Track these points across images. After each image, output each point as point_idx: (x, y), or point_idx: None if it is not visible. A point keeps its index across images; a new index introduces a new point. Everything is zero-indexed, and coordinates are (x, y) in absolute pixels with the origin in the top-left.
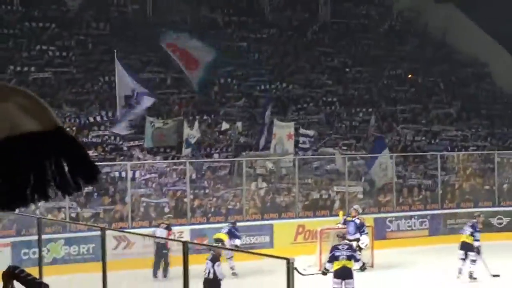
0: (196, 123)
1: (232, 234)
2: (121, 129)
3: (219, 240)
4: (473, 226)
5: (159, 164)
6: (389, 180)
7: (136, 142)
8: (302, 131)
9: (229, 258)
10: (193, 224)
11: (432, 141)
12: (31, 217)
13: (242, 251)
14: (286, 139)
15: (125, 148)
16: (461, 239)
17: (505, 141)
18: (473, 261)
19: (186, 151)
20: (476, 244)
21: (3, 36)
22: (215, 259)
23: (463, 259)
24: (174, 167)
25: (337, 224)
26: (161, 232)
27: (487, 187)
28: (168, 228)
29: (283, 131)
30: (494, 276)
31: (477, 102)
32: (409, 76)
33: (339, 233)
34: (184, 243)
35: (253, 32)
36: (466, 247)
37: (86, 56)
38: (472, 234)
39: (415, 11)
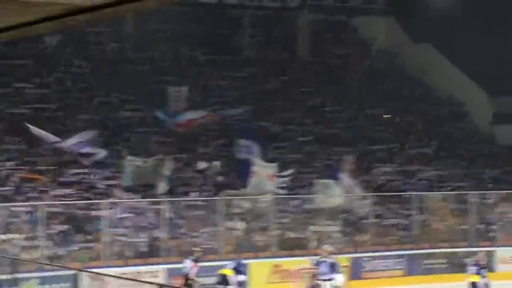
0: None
1: (237, 270)
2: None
3: (223, 275)
4: (476, 265)
5: (137, 203)
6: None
7: (113, 181)
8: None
9: None
10: (169, 263)
11: (409, 181)
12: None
13: None
14: (266, 179)
15: (101, 186)
16: (468, 280)
17: (481, 181)
18: None
19: (162, 188)
20: (482, 281)
21: None
22: None
23: None
24: (152, 206)
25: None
26: (189, 262)
27: (463, 227)
28: (196, 260)
29: (263, 171)
30: None
31: (453, 141)
32: (385, 116)
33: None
34: (161, 286)
35: (232, 71)
36: (473, 286)
37: (65, 93)
38: (478, 273)
39: (393, 51)
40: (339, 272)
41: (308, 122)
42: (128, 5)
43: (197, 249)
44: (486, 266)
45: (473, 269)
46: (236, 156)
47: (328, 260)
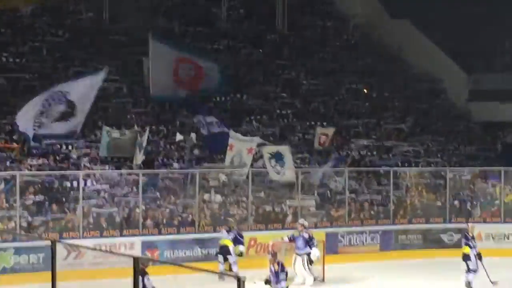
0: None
1: (236, 240)
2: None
3: (224, 246)
4: (465, 237)
5: (111, 174)
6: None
7: (88, 151)
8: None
9: (233, 263)
10: (145, 235)
11: (385, 156)
12: None
13: (188, 267)
14: (245, 153)
15: (74, 157)
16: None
17: (457, 158)
18: (469, 270)
19: (138, 160)
20: (473, 252)
21: None
22: (143, 273)
23: (466, 271)
24: (127, 177)
25: (282, 238)
26: (225, 233)
27: (438, 203)
28: (229, 230)
29: (242, 145)
30: (492, 283)
31: (430, 118)
32: (364, 90)
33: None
34: (135, 259)
35: (209, 43)
36: (464, 258)
37: (40, 63)
38: (466, 244)
39: (371, 25)
40: (315, 246)
41: (284, 95)
42: None
43: (230, 219)
44: (475, 237)
45: (464, 240)
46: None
47: (304, 234)
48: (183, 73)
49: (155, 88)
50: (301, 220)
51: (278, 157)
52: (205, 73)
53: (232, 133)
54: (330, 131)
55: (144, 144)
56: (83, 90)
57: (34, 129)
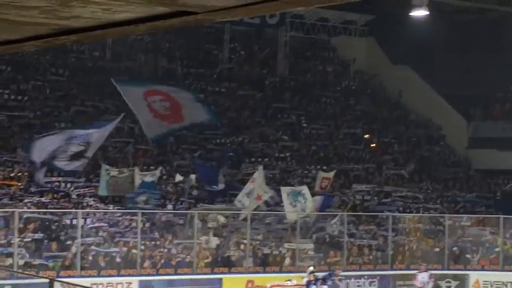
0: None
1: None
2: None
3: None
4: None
5: (111, 213)
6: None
7: (87, 190)
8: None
9: None
10: (142, 275)
11: (384, 201)
12: None
13: None
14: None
15: (74, 196)
16: None
17: (456, 204)
18: None
19: (139, 200)
20: None
21: None
22: None
23: None
24: (126, 217)
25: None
26: (425, 275)
27: (437, 249)
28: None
29: (261, 187)
30: None
31: (429, 164)
32: (366, 136)
33: None
34: None
35: (211, 85)
36: None
37: (42, 101)
38: None
39: (372, 71)
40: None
41: (284, 138)
42: (118, 29)
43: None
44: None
45: None
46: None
47: (313, 280)
48: (157, 106)
49: (148, 129)
50: (311, 268)
51: (295, 194)
52: (180, 102)
53: (261, 168)
54: (331, 175)
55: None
56: (101, 135)
57: (44, 162)
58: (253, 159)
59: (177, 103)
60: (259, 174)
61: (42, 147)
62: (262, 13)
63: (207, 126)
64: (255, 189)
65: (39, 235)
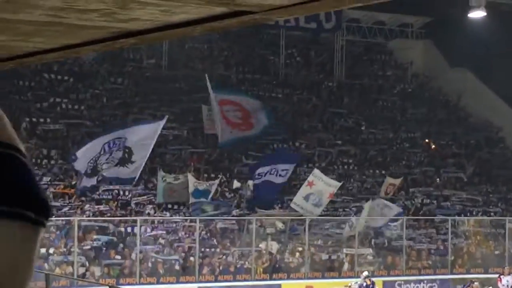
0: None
1: None
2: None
3: None
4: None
5: (169, 220)
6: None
7: (145, 198)
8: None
9: None
10: (201, 282)
11: (443, 205)
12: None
13: None
14: (326, 196)
15: (133, 203)
16: None
17: None
18: None
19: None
20: None
21: (21, 87)
22: None
23: None
24: (185, 223)
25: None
26: (509, 279)
27: (497, 252)
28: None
29: (325, 187)
30: None
31: (489, 166)
32: (426, 141)
33: None
34: None
35: (267, 91)
36: None
37: (100, 109)
38: None
39: (430, 74)
40: None
41: (342, 143)
42: (175, 30)
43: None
44: None
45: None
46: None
47: (365, 284)
48: (230, 115)
49: (221, 136)
50: (365, 273)
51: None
52: (251, 112)
53: (316, 171)
54: (398, 181)
55: (212, 193)
56: (141, 136)
57: (89, 171)
58: (310, 164)
59: (248, 113)
60: (317, 176)
61: (83, 157)
62: (319, 11)
63: (265, 132)
64: (322, 191)
65: (97, 243)
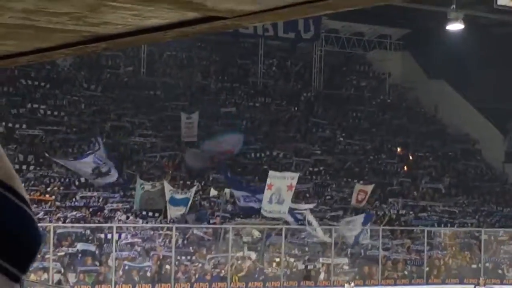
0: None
1: None
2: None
3: None
4: None
5: (145, 227)
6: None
7: (120, 205)
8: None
9: None
10: None
11: (420, 216)
12: None
13: None
14: (285, 190)
15: (109, 210)
16: None
17: (492, 219)
18: None
19: (173, 214)
20: None
21: None
22: None
23: None
24: (160, 232)
25: None
26: None
27: (474, 265)
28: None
29: (282, 182)
30: None
31: (465, 178)
32: (399, 150)
33: None
34: None
35: (245, 99)
36: None
37: (78, 116)
38: None
39: (408, 85)
40: None
41: (319, 153)
42: (147, 35)
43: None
44: None
45: None
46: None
47: None
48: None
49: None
50: (347, 285)
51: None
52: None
53: (271, 172)
54: (369, 188)
55: (190, 201)
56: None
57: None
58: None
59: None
60: (272, 176)
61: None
62: (290, 18)
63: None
64: (280, 187)
65: (73, 250)
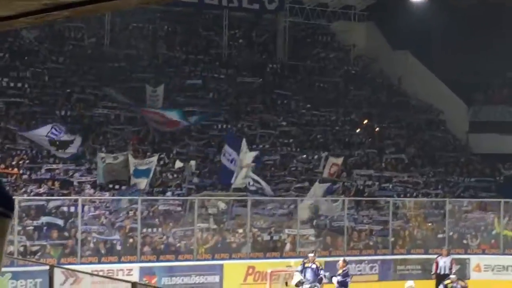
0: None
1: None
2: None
3: None
4: None
5: (111, 200)
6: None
7: (88, 178)
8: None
9: None
10: (143, 262)
11: (384, 186)
12: None
13: None
14: (246, 167)
15: (75, 183)
16: None
17: (457, 189)
18: None
19: (141, 185)
20: None
21: None
22: None
23: None
24: (126, 204)
25: (288, 266)
26: (446, 260)
27: (439, 236)
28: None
29: (244, 162)
30: None
31: (430, 149)
32: (364, 121)
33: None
34: (133, 284)
35: (210, 71)
36: None
37: (41, 88)
38: None
39: (372, 56)
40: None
41: (284, 124)
42: (110, 3)
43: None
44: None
45: None
46: (221, 161)
47: (313, 265)
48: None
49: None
50: (310, 255)
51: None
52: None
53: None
54: (340, 160)
55: (152, 172)
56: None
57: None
58: (254, 146)
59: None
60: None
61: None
62: None
63: (207, 114)
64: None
65: (38, 223)
